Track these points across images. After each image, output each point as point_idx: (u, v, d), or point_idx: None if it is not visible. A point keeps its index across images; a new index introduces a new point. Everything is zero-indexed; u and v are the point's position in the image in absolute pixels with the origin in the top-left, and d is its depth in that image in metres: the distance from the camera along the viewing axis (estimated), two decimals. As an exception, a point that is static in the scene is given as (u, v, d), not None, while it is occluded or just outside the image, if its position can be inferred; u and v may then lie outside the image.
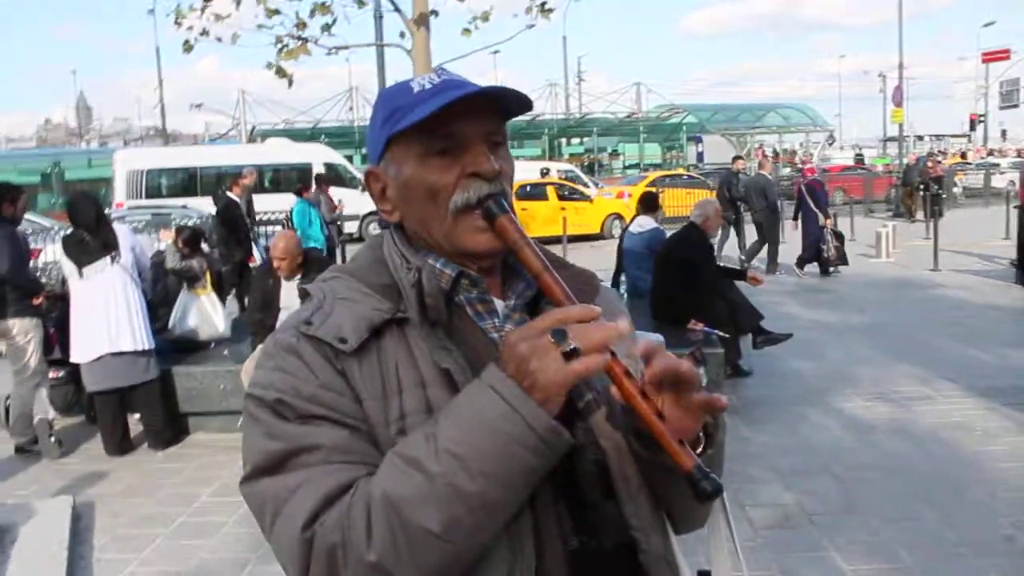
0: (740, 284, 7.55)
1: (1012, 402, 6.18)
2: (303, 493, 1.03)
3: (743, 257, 13.54)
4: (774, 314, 9.00)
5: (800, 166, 17.20)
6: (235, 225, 10.22)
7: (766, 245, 13.22)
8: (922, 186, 19.71)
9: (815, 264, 12.90)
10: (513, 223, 1.13)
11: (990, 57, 47.58)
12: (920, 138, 60.04)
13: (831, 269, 12.78)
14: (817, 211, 12.73)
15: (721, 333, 6.55)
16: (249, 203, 11.28)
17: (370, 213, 20.21)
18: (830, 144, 52.55)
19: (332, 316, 1.11)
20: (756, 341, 7.41)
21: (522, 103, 1.18)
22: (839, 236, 12.83)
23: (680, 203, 20.08)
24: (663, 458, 1.07)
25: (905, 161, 26.81)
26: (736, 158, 14.86)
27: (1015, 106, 56.23)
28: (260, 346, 6.05)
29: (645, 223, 8.05)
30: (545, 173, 23.87)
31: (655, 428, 1.04)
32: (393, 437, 1.06)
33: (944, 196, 17.69)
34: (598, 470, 1.14)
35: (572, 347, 0.98)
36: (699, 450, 1.13)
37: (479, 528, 1.00)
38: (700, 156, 43.13)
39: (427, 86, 1.16)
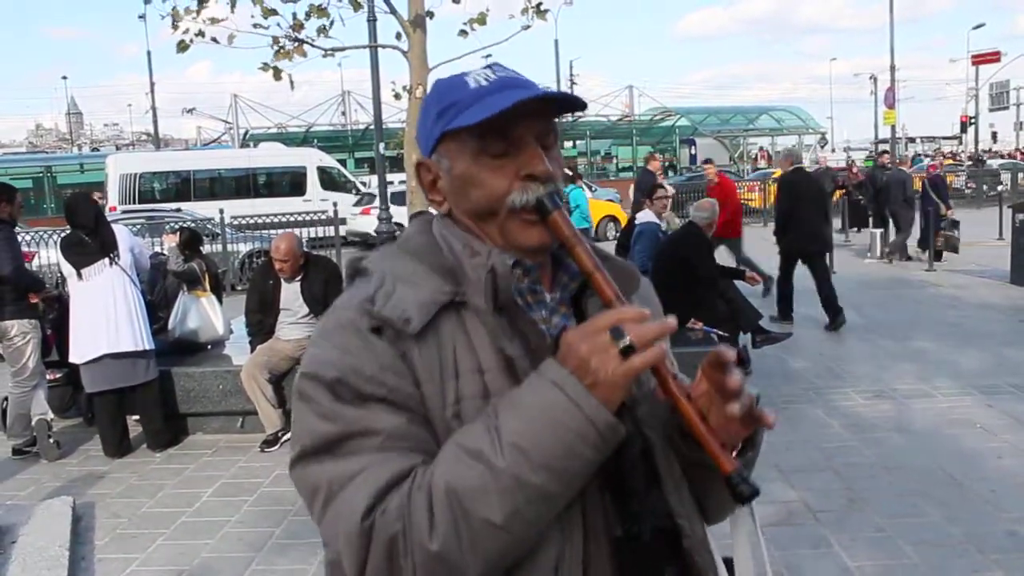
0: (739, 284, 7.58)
1: (1010, 399, 6.21)
2: (360, 481, 1.02)
3: (888, 249, 14.45)
4: (772, 313, 9.03)
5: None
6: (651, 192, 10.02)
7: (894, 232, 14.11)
8: (841, 192, 18.25)
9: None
10: (565, 219, 1.14)
11: (980, 59, 47.58)
12: (912, 140, 60.23)
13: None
14: (939, 202, 13.61)
15: (721, 332, 6.56)
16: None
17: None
18: (822, 147, 52.68)
19: (395, 295, 1.10)
20: (756, 340, 7.42)
21: (576, 105, 1.19)
22: (956, 224, 13.61)
23: None
24: (704, 457, 1.10)
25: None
26: (883, 152, 15.08)
27: (1005, 108, 56.54)
28: (259, 346, 6.06)
29: (643, 215, 8.10)
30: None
31: (697, 431, 1.07)
32: (449, 420, 1.07)
33: (863, 202, 17.19)
34: (643, 459, 1.16)
35: (628, 344, 1.00)
36: (738, 450, 1.17)
37: (537, 518, 1.02)
38: (693, 159, 43.13)
39: (483, 83, 1.16)
